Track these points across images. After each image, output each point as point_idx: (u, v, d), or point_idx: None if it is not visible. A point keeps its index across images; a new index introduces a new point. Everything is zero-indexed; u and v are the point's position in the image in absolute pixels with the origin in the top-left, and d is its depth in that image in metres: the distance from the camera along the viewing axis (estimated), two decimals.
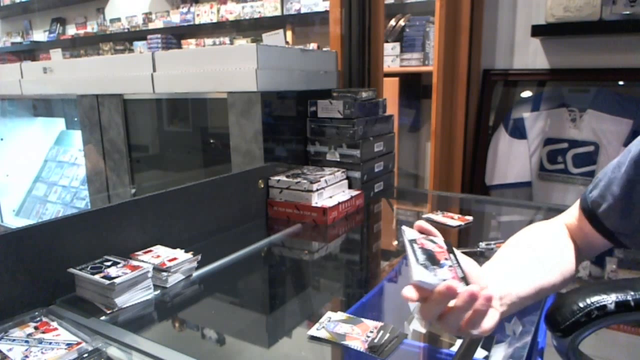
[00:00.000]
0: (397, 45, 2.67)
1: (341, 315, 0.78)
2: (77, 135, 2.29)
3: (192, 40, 4.11)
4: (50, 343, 0.71)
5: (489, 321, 0.57)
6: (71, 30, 5.12)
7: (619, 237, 0.73)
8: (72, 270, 0.85)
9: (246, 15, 3.67)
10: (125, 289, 0.83)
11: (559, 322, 0.72)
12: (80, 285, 0.86)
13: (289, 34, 3.53)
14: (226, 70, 1.42)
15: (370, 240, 1.33)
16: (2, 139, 2.47)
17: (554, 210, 1.01)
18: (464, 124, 2.06)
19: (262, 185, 1.36)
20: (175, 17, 4.09)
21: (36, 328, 0.75)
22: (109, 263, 0.88)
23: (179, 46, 4.16)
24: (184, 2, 4.13)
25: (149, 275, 0.88)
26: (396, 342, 0.70)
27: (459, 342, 0.74)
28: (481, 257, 1.06)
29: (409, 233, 0.63)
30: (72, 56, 4.76)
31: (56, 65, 1.95)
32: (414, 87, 2.66)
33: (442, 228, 1.25)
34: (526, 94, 2.05)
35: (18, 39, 5.61)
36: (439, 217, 1.33)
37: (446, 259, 0.59)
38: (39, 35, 5.40)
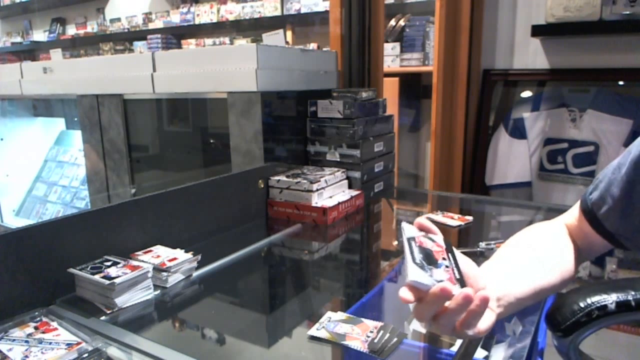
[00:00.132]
0: (397, 45, 2.67)
1: (341, 315, 0.78)
2: (77, 135, 2.29)
3: (192, 40, 4.11)
4: (50, 343, 0.71)
5: (485, 322, 0.56)
6: (71, 30, 5.12)
7: (619, 239, 0.73)
8: (72, 270, 0.85)
9: (246, 15, 3.67)
10: (125, 289, 0.83)
11: (559, 322, 0.72)
12: (80, 285, 0.86)
13: (289, 34, 3.53)
14: (226, 70, 1.42)
15: (370, 240, 1.33)
16: (2, 139, 2.47)
17: (554, 211, 1.01)
18: (464, 124, 2.06)
19: (262, 185, 1.36)
20: (175, 17, 4.09)
21: (36, 328, 0.75)
22: (109, 263, 0.88)
23: (179, 46, 4.16)
24: (184, 2, 4.13)
25: (149, 275, 0.88)
26: (396, 342, 0.70)
27: (459, 342, 0.74)
28: (481, 257, 1.06)
29: (408, 230, 0.62)
30: (72, 56, 4.76)
31: (56, 65, 1.95)
32: (414, 87, 2.66)
33: (442, 228, 1.24)
34: (526, 94, 2.05)
35: (18, 39, 5.61)
36: (439, 217, 1.33)
37: (444, 258, 0.58)
38: (39, 35, 5.40)
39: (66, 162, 2.53)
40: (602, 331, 0.76)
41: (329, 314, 0.79)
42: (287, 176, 1.38)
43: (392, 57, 2.67)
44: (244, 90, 1.39)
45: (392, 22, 2.70)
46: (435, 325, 0.56)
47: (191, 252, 0.97)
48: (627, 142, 1.80)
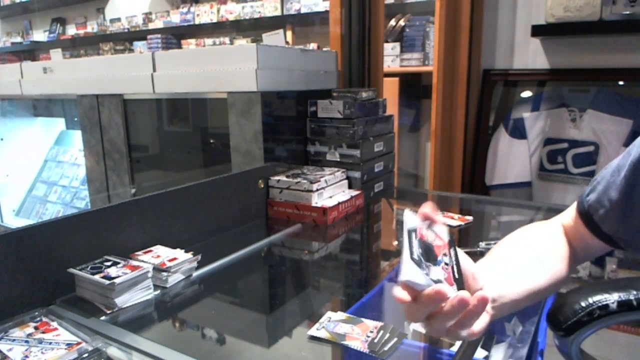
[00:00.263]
0: (397, 45, 2.67)
1: (341, 315, 0.78)
2: (77, 135, 2.29)
3: (192, 40, 4.11)
4: (50, 343, 0.71)
5: (479, 324, 0.55)
6: (71, 30, 5.12)
7: (618, 241, 0.72)
8: (72, 270, 0.85)
9: (246, 15, 3.67)
10: (125, 289, 0.83)
11: (560, 322, 0.72)
12: (80, 285, 0.86)
13: (289, 34, 3.54)
14: (226, 70, 1.42)
15: (370, 240, 1.33)
16: (2, 139, 2.47)
17: (554, 210, 1.01)
18: (464, 124, 2.06)
19: (262, 185, 1.36)
20: (175, 17, 4.09)
21: (36, 328, 0.75)
22: (109, 263, 0.88)
23: (179, 46, 4.16)
24: (184, 2, 4.13)
25: (149, 275, 0.88)
26: (396, 342, 0.70)
27: (459, 342, 0.74)
28: (481, 257, 1.06)
29: (409, 220, 0.56)
30: (72, 56, 4.76)
31: (56, 65, 1.95)
32: (414, 87, 2.66)
33: None
34: (526, 94, 2.05)
35: (18, 39, 5.61)
36: (439, 217, 1.33)
37: (445, 254, 0.54)
38: (39, 35, 5.41)
39: (66, 162, 2.53)
40: (603, 331, 0.76)
41: (329, 314, 0.79)
42: (287, 176, 1.37)
43: (392, 57, 2.67)
44: (244, 90, 1.39)
45: (392, 22, 2.70)
46: (427, 326, 0.53)
47: (191, 252, 0.97)
48: (627, 142, 1.80)
